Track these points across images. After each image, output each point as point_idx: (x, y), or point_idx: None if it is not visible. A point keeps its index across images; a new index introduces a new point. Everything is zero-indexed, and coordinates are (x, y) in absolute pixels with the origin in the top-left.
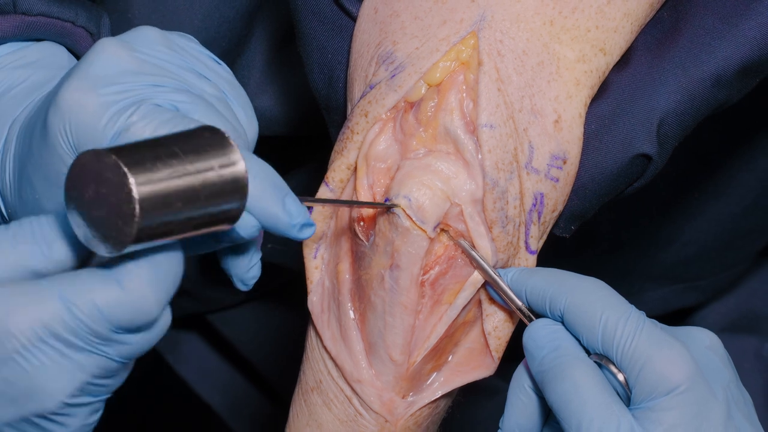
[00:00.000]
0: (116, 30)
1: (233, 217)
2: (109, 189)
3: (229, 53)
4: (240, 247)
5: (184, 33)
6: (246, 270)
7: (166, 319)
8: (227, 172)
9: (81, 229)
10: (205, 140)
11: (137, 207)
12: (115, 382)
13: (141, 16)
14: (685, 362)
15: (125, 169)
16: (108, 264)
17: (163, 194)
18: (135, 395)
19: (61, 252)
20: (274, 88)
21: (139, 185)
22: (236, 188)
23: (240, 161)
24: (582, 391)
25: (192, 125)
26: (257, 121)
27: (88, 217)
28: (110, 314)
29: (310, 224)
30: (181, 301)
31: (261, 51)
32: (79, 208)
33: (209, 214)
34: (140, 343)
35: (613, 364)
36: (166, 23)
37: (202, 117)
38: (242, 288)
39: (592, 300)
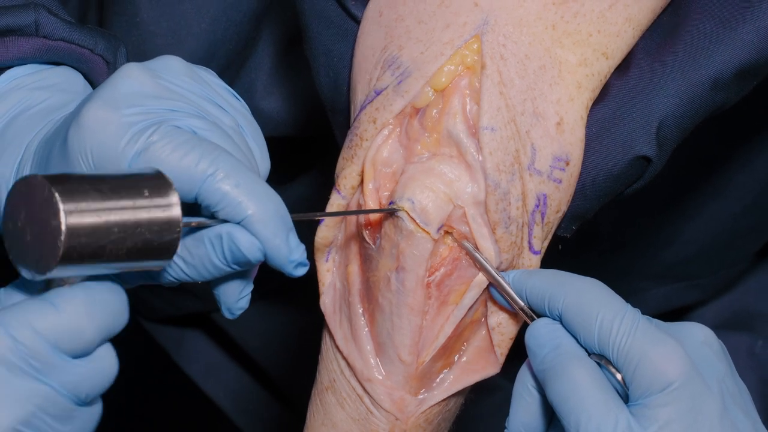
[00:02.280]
0: (125, 35)
1: (165, 254)
2: (39, 209)
3: (237, 56)
4: (234, 277)
5: (195, 36)
6: (236, 300)
7: (109, 357)
8: (160, 212)
9: (16, 254)
10: (144, 179)
11: (63, 223)
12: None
13: (149, 21)
14: (679, 358)
15: (52, 187)
16: (45, 291)
17: (92, 217)
18: (141, 392)
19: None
20: (282, 91)
21: (67, 203)
22: (168, 227)
23: (176, 205)
24: (580, 389)
25: (209, 147)
26: (266, 122)
27: (22, 241)
28: (47, 335)
29: (305, 264)
30: (185, 300)
31: (268, 54)
32: (14, 235)
33: (140, 247)
34: (82, 374)
35: (611, 364)
36: (174, 27)
37: (217, 143)
38: (228, 317)
39: (589, 299)
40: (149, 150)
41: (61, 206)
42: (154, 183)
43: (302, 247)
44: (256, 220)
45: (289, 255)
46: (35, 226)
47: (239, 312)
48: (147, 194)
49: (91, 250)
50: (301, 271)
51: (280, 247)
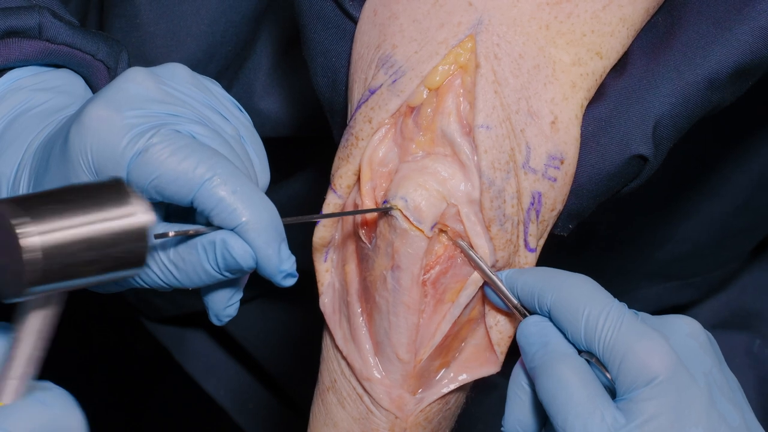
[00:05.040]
0: (125, 36)
1: (136, 262)
2: (3, 237)
3: (236, 57)
4: (224, 284)
5: (195, 38)
6: (223, 308)
7: None
8: (124, 222)
9: None
10: (103, 189)
11: (24, 252)
12: None
13: (149, 22)
14: (664, 352)
15: (12, 215)
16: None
17: (54, 239)
18: (142, 391)
19: None
20: (280, 91)
21: (27, 230)
22: (135, 236)
23: (139, 212)
24: (567, 387)
25: (208, 152)
26: (264, 123)
27: None
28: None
29: (294, 275)
30: (187, 299)
31: (267, 54)
32: None
33: (110, 260)
34: None
35: (599, 360)
36: (174, 28)
37: (217, 149)
38: (216, 323)
39: (576, 295)
40: (148, 152)
41: (22, 240)
42: (115, 193)
43: (293, 258)
44: (250, 228)
45: (280, 265)
46: (2, 254)
47: (227, 319)
48: (110, 209)
49: (59, 272)
50: (290, 282)
51: (271, 257)
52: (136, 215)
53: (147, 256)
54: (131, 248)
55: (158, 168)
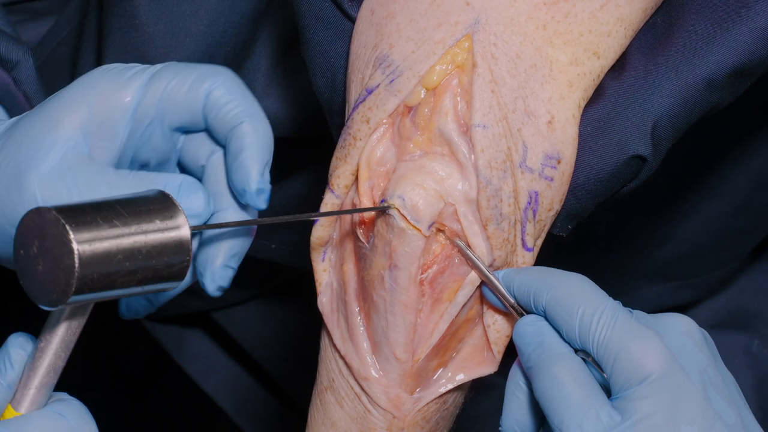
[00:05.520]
0: (124, 36)
1: (176, 276)
2: (52, 243)
3: (235, 57)
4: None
5: (194, 38)
6: (221, 265)
7: None
8: (170, 234)
9: (27, 282)
10: (150, 202)
11: (76, 259)
12: None
13: (147, 22)
14: (657, 350)
15: (65, 223)
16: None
17: (103, 248)
18: (141, 391)
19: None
20: (279, 91)
21: (78, 237)
22: (178, 250)
23: (184, 225)
24: (562, 387)
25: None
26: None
27: (33, 271)
28: None
29: (264, 190)
30: (186, 299)
31: (266, 55)
32: (26, 264)
33: (151, 272)
34: None
35: (594, 359)
36: (173, 29)
37: None
38: (210, 290)
39: (571, 294)
40: (157, 74)
41: (75, 246)
42: (162, 207)
43: (264, 180)
44: (248, 144)
45: (254, 183)
46: (47, 260)
47: (220, 282)
48: (156, 221)
49: (104, 283)
50: (263, 200)
51: (252, 173)
52: (182, 228)
53: (188, 270)
54: (173, 261)
55: (171, 79)
